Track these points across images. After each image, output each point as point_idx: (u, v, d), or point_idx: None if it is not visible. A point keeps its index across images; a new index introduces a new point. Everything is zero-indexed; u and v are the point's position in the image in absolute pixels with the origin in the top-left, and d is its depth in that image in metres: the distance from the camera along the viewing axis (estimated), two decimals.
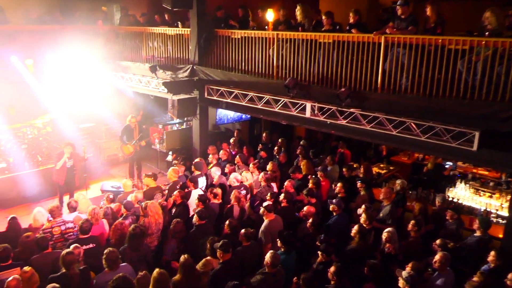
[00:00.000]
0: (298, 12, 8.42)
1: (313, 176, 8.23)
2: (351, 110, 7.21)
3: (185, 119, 12.06)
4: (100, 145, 12.55)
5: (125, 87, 11.58)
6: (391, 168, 10.83)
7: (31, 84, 10.82)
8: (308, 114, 7.80)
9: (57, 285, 4.70)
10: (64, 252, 5.24)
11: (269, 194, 7.39)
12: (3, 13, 11.16)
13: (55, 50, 10.80)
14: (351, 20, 7.77)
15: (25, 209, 9.31)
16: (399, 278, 4.99)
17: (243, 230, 6.03)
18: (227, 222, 6.43)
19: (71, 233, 6.62)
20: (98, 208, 7.00)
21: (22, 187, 9.99)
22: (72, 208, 7.22)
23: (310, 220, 6.53)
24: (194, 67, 9.73)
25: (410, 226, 6.48)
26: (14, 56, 10.45)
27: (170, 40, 10.57)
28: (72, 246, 5.62)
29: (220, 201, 7.58)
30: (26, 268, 4.99)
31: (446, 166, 10.06)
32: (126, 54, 11.87)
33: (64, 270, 5.13)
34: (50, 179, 9.76)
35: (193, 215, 6.77)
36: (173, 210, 7.42)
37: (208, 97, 9.81)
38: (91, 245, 6.08)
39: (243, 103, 8.94)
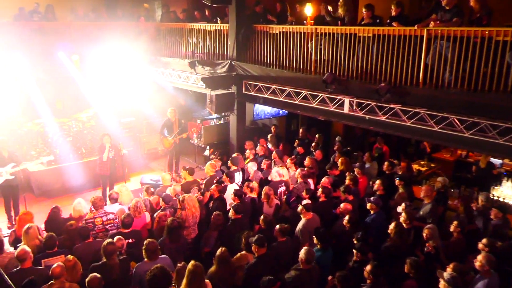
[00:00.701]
0: (340, 5, 8.28)
1: (351, 173, 8.08)
2: (391, 105, 7.03)
3: (223, 114, 12.15)
4: (140, 139, 12.87)
5: (165, 82, 11.81)
6: (432, 165, 10.46)
7: (76, 79, 11.23)
8: (346, 109, 7.68)
9: (98, 275, 4.86)
10: (105, 242, 5.41)
11: (305, 190, 7.32)
12: (52, 11, 11.64)
13: (99, 46, 11.15)
14: (393, 13, 7.54)
15: (69, 199, 9.62)
16: (440, 279, 4.80)
17: (278, 226, 6.01)
18: (262, 217, 6.43)
19: (112, 224, 6.82)
20: (141, 201, 7.16)
21: (66, 178, 10.40)
22: (113, 199, 7.43)
23: (347, 218, 6.40)
24: (232, 63, 9.78)
25: (453, 227, 6.22)
26: (62, 52, 10.88)
27: (209, 36, 10.66)
28: (116, 238, 5.78)
29: (256, 196, 7.58)
30: (70, 257, 5.19)
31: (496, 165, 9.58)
32: (167, 50, 12.09)
33: (105, 260, 5.31)
34: (93, 171, 10.09)
35: (229, 209, 6.82)
36: (210, 204, 7.49)
37: (246, 92, 9.85)
38: (131, 240, 6.19)
39: (281, 99, 8.92)
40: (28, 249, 5.34)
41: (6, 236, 6.50)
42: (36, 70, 10.57)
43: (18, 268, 5.23)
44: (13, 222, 8.62)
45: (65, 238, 6.20)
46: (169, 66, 11.66)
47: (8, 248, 6.08)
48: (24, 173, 9.72)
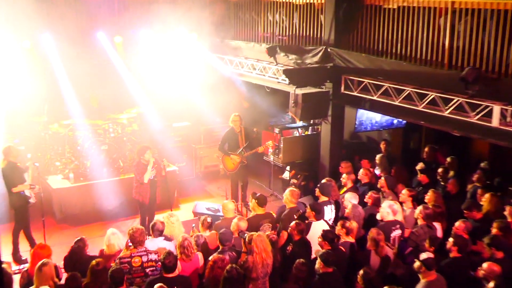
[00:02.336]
0: None
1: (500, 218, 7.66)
2: None
3: (312, 122, 12.13)
4: (196, 151, 13.22)
5: (233, 75, 12.07)
6: None
7: (118, 68, 11.82)
8: (495, 122, 7.39)
9: None
10: None
11: (428, 240, 7.05)
12: None
13: (148, 25, 11.65)
14: None
15: (101, 229, 10.05)
16: None
17: None
18: (360, 272, 6.27)
19: (154, 268, 6.97)
20: (192, 238, 7.25)
21: (98, 199, 10.75)
22: (158, 232, 7.59)
23: (492, 284, 6.05)
24: (328, 50, 9.79)
25: None
26: (101, 33, 11.50)
27: (296, 11, 10.79)
28: (157, 286, 5.88)
29: (354, 240, 7.44)
30: None
31: None
32: (238, 31, 12.46)
33: None
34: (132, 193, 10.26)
35: (315, 257, 6.72)
36: (288, 249, 7.45)
37: (346, 92, 9.82)
38: None
39: (396, 103, 8.82)
40: None
41: (17, 273, 6.91)
42: (68, 55, 11.19)
43: None
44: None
45: (91, 280, 6.43)
46: (240, 52, 11.95)
47: None
48: (46, 189, 10.17)
